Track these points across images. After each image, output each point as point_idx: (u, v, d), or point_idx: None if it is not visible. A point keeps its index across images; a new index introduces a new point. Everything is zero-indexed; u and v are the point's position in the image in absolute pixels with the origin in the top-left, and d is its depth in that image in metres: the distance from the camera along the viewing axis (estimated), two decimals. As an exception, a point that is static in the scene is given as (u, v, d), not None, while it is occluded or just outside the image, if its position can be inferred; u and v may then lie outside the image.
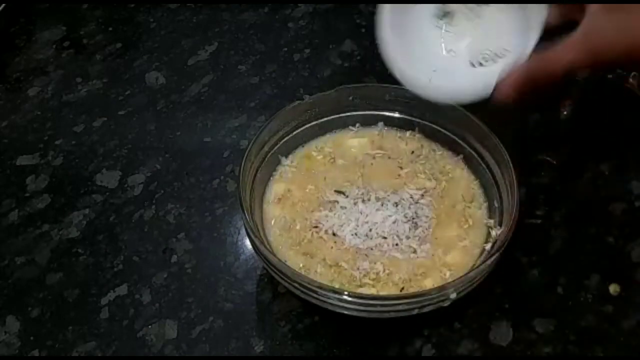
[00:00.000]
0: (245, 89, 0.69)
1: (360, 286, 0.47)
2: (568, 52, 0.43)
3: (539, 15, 0.46)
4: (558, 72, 0.44)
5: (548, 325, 0.48)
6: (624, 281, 0.50)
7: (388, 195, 0.52)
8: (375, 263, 0.48)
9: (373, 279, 0.47)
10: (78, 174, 0.61)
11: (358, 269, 0.48)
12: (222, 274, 0.52)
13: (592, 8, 0.43)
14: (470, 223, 0.51)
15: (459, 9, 0.51)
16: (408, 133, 0.57)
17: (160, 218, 0.57)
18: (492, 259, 0.44)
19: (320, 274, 0.48)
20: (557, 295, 0.50)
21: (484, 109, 0.64)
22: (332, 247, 0.49)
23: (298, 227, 0.51)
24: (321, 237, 0.50)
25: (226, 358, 0.48)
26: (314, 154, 0.56)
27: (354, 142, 0.57)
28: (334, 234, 0.50)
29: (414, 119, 0.56)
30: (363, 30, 0.75)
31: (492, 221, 0.50)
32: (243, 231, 0.55)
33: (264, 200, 0.53)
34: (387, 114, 0.56)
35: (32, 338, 0.49)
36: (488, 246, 0.48)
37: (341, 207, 0.51)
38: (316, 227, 0.50)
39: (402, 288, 0.47)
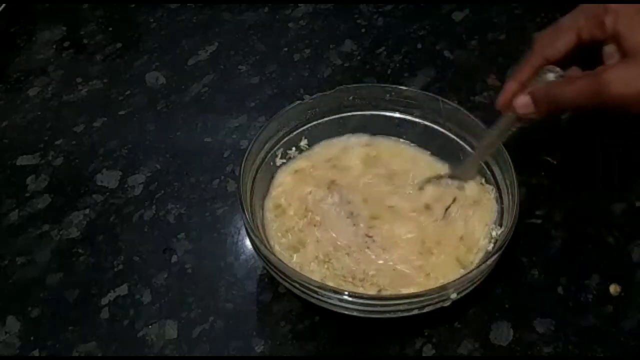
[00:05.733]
0: (245, 89, 0.69)
1: (354, 285, 0.47)
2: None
3: None
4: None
5: (548, 325, 0.48)
6: (624, 281, 0.50)
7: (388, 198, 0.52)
8: (368, 264, 0.48)
9: (361, 280, 0.47)
10: (78, 174, 0.61)
11: (349, 267, 0.48)
12: (223, 274, 0.52)
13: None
14: (471, 223, 0.51)
15: None
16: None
17: (161, 218, 0.57)
18: (492, 259, 0.44)
19: (313, 271, 0.48)
20: (557, 295, 0.50)
21: (483, 108, 0.64)
22: (330, 247, 0.49)
23: (295, 226, 0.51)
24: (317, 235, 0.50)
25: (226, 358, 0.48)
26: (313, 153, 0.56)
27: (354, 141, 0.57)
28: (328, 231, 0.50)
29: (414, 119, 0.56)
30: (363, 30, 0.75)
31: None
32: (243, 231, 0.55)
33: (264, 200, 0.53)
34: (387, 114, 0.56)
35: (32, 338, 0.49)
36: (489, 246, 0.48)
37: (336, 204, 0.52)
38: (314, 225, 0.51)
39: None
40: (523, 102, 0.45)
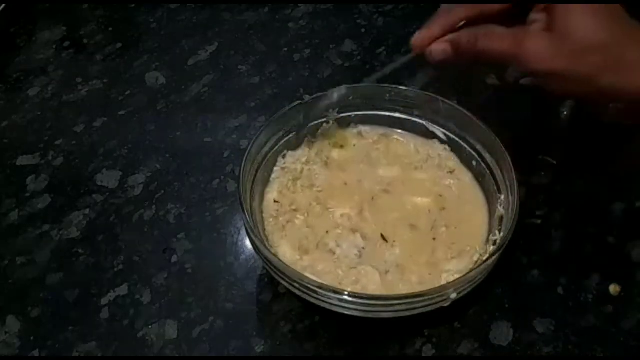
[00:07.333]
0: (245, 89, 0.69)
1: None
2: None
3: None
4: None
5: (548, 325, 0.48)
6: (624, 281, 0.50)
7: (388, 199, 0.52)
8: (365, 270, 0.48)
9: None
10: (78, 174, 0.61)
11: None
12: (223, 274, 0.52)
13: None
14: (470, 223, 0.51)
15: None
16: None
17: (161, 218, 0.57)
18: (492, 259, 0.44)
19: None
20: (557, 295, 0.50)
21: (483, 108, 0.64)
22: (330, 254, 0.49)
23: (296, 228, 0.51)
24: (317, 241, 0.50)
25: (226, 358, 0.48)
26: (314, 154, 0.56)
27: (354, 141, 0.57)
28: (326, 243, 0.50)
29: (414, 119, 0.56)
30: (363, 30, 0.75)
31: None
32: (243, 231, 0.55)
33: (264, 200, 0.53)
34: (387, 114, 0.56)
35: (32, 338, 0.49)
36: (489, 247, 0.48)
37: (340, 214, 0.52)
38: (313, 227, 0.51)
39: None
40: (442, 47, 0.45)
